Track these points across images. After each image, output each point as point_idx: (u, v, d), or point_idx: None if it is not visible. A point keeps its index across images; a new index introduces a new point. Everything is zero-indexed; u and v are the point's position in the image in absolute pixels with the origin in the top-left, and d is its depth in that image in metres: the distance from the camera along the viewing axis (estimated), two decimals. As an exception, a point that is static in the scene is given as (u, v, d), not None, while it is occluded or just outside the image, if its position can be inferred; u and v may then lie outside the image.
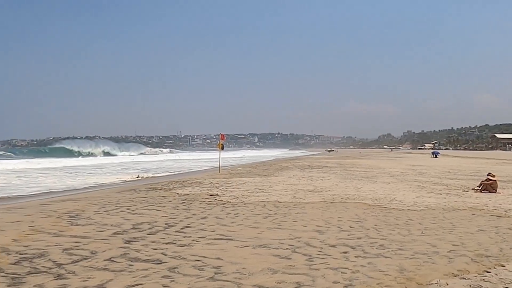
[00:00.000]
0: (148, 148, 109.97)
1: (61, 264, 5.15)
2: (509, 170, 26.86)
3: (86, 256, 5.54)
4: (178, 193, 13.04)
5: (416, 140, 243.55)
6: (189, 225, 7.74)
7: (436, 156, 59.36)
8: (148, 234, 6.94)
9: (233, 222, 8.08)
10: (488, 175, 14.12)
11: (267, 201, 11.13)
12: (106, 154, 79.79)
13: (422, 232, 7.30)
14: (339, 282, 4.58)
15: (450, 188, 15.22)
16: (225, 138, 28.55)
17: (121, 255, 5.61)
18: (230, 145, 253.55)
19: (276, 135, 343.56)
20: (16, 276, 4.66)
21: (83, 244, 6.18)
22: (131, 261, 5.30)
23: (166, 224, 7.88)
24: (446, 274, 4.94)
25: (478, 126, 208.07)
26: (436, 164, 35.96)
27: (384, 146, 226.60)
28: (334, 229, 7.49)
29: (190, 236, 6.80)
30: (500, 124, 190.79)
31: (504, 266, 5.27)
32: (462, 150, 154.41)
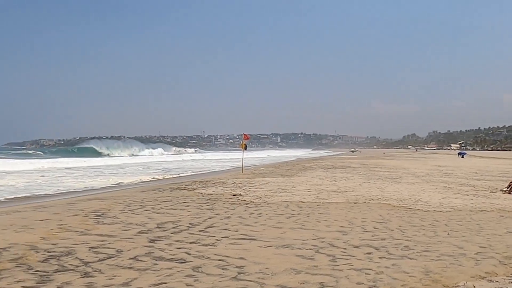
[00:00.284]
0: (175, 148, 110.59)
1: (88, 262, 5.24)
2: (539, 171, 26.15)
3: (112, 254, 5.63)
4: (201, 193, 13.12)
5: (442, 140, 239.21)
6: (213, 225, 7.78)
7: (462, 157, 58.27)
8: (172, 233, 7.01)
9: (256, 222, 8.09)
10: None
11: (290, 201, 11.10)
12: (132, 154, 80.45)
13: (448, 234, 7.18)
14: (362, 283, 4.54)
15: (477, 189, 14.92)
16: (248, 138, 28.59)
17: (145, 254, 5.68)
18: (253, 145, 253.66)
19: (299, 135, 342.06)
20: (45, 273, 4.76)
21: (109, 243, 6.28)
22: (156, 260, 5.36)
23: (190, 223, 7.94)
24: (473, 276, 4.85)
25: (507, 126, 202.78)
26: (462, 165, 35.30)
27: (409, 147, 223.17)
28: (358, 230, 7.43)
29: (214, 236, 6.83)
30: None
31: (534, 270, 5.14)
32: (490, 150, 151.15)
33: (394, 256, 5.67)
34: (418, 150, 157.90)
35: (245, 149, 27.75)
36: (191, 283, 4.51)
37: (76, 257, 5.46)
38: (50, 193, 14.85)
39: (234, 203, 10.78)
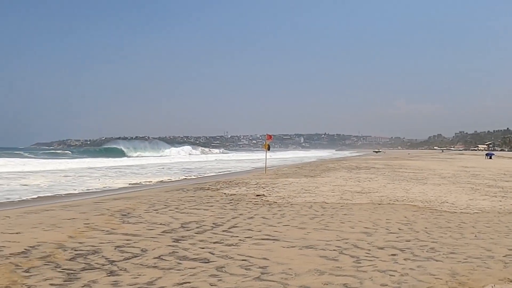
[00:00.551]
0: (201, 148, 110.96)
1: (114, 261, 5.33)
2: None
3: (137, 253, 5.71)
4: (225, 193, 13.18)
5: (469, 141, 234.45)
6: (236, 225, 7.81)
7: (490, 158, 57.00)
8: (196, 233, 7.06)
9: (280, 223, 8.09)
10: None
11: (314, 202, 11.06)
12: (160, 154, 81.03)
13: (475, 236, 7.04)
14: (387, 285, 4.49)
15: (506, 190, 14.57)
16: (271, 138, 28.58)
17: (169, 253, 5.74)
18: (276, 146, 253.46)
19: (323, 135, 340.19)
20: (72, 271, 4.86)
21: (134, 242, 6.37)
22: (180, 260, 5.41)
23: (213, 223, 7.98)
24: (501, 279, 4.74)
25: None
26: (490, 166, 34.53)
27: (435, 147, 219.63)
28: (382, 231, 7.35)
29: (237, 236, 6.86)
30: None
31: None
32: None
33: (419, 258, 5.59)
34: (444, 151, 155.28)
35: (268, 149, 27.77)
36: (214, 282, 4.53)
37: (102, 256, 5.55)
38: (76, 192, 15.14)
39: (257, 204, 10.79)
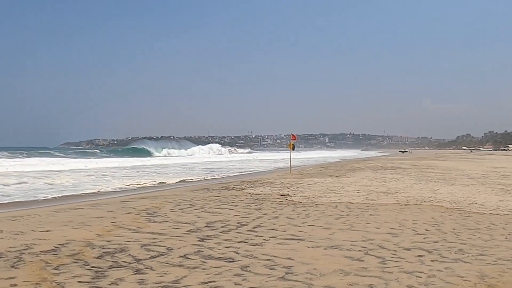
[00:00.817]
0: (229, 148, 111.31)
1: (140, 259, 5.40)
2: None
3: (163, 252, 5.77)
4: (249, 193, 13.22)
5: (499, 140, 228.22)
6: (261, 225, 7.82)
7: (521, 157, 55.50)
8: (221, 233, 7.10)
9: (304, 223, 8.06)
10: None
11: (339, 202, 10.98)
12: (185, 153, 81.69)
13: (506, 238, 6.87)
14: (413, 286, 4.42)
15: (537, 191, 14.17)
16: (296, 138, 28.50)
17: (195, 252, 5.79)
18: (301, 145, 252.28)
19: (348, 135, 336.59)
20: (100, 269, 4.95)
21: (160, 241, 6.45)
22: (205, 259, 5.45)
23: (238, 223, 8.01)
24: (533, 283, 4.62)
25: None
26: (521, 166, 33.62)
27: (463, 147, 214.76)
28: (409, 232, 7.25)
29: (262, 236, 6.87)
30: None
31: None
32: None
33: (447, 260, 5.49)
34: (472, 151, 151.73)
35: (293, 149, 27.70)
36: (239, 282, 4.55)
37: (129, 254, 5.64)
38: (102, 191, 15.43)
39: (282, 203, 10.78)
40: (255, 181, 17.86)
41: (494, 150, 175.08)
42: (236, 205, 10.37)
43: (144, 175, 24.38)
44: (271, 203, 10.80)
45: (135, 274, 4.79)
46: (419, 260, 5.46)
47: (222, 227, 7.60)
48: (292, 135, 28.28)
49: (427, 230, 7.41)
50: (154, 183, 19.03)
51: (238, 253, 5.73)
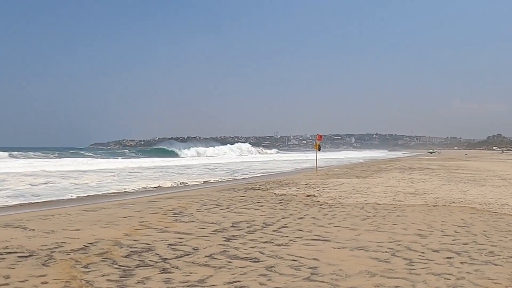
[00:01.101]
0: (257, 149, 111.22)
1: (166, 258, 5.47)
2: None
3: (189, 252, 5.83)
4: (275, 193, 13.22)
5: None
6: (286, 225, 7.81)
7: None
8: (246, 233, 7.12)
9: (330, 223, 8.01)
10: None
11: (365, 203, 10.87)
12: (213, 153, 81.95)
13: (539, 241, 6.67)
14: (442, 290, 4.35)
15: None
16: (322, 138, 28.35)
17: (220, 252, 5.82)
18: (326, 146, 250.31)
19: (374, 135, 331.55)
20: (127, 268, 5.03)
21: (186, 240, 6.51)
22: (230, 259, 5.48)
23: (263, 223, 8.02)
24: None
25: None
26: (556, 166, 32.60)
27: (494, 148, 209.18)
28: (437, 234, 7.12)
29: (287, 236, 6.86)
30: None
31: None
32: None
33: (477, 262, 5.37)
34: (504, 151, 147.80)
35: (319, 149, 27.57)
36: (264, 282, 4.56)
37: (156, 254, 5.71)
38: (128, 191, 15.69)
39: (307, 204, 10.74)
40: (280, 182, 17.85)
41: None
42: (262, 206, 10.39)
43: (166, 175, 24.50)
44: (297, 204, 10.77)
45: (161, 273, 4.85)
46: (448, 262, 5.36)
47: (248, 227, 7.63)
48: (318, 135, 28.15)
49: (456, 232, 7.27)
50: (176, 183, 19.20)
51: (263, 253, 5.74)
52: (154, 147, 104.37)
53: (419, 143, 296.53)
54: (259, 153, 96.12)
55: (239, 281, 4.57)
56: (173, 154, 74.57)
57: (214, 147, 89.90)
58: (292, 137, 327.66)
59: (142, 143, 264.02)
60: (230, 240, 6.55)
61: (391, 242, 6.49)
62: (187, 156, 70.38)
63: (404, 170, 26.12)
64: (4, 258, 5.39)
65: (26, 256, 5.51)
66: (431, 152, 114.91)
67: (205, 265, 5.19)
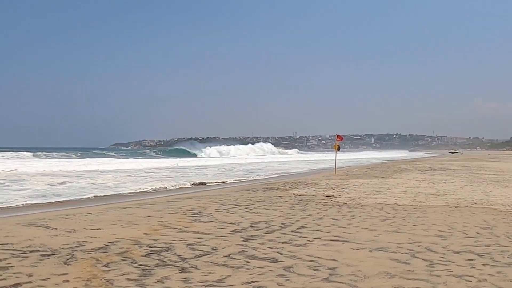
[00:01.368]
0: (278, 149, 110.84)
1: (185, 258, 5.51)
2: None
3: (207, 251, 5.86)
4: (294, 194, 13.19)
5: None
6: (305, 226, 7.79)
7: None
8: (265, 233, 7.12)
9: (349, 224, 7.96)
10: None
11: (385, 204, 10.77)
12: (235, 154, 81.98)
13: None
14: (463, 292, 4.28)
15: None
16: (342, 138, 28.19)
17: (239, 252, 5.84)
18: (346, 146, 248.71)
19: (394, 136, 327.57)
20: (146, 267, 5.08)
21: (205, 240, 6.55)
22: (249, 259, 5.49)
23: (282, 223, 8.01)
24: None
25: None
26: None
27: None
28: (459, 235, 7.01)
29: (306, 237, 6.84)
30: None
31: None
32: None
33: (499, 264, 5.27)
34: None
35: (338, 150, 27.42)
36: (282, 282, 4.55)
37: (175, 253, 5.75)
38: (148, 190, 15.85)
39: (326, 204, 10.69)
40: (299, 182, 17.80)
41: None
42: (280, 206, 10.37)
43: (183, 176, 24.58)
44: (316, 204, 10.73)
45: (180, 272, 4.89)
46: (470, 263, 5.28)
47: (266, 227, 7.63)
48: (338, 135, 28.00)
49: (478, 233, 7.15)
50: (196, 183, 19.29)
51: (281, 254, 5.73)
52: (175, 147, 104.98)
53: (441, 144, 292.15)
54: (280, 153, 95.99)
55: (257, 281, 4.57)
56: (192, 154, 74.97)
57: (235, 146, 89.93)
58: (311, 137, 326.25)
59: (162, 143, 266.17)
60: (249, 240, 6.56)
61: (411, 243, 6.42)
62: (209, 156, 70.60)
63: (425, 171, 25.78)
64: (27, 257, 5.50)
65: (48, 255, 5.61)
66: (453, 153, 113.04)
67: (223, 265, 5.21)
